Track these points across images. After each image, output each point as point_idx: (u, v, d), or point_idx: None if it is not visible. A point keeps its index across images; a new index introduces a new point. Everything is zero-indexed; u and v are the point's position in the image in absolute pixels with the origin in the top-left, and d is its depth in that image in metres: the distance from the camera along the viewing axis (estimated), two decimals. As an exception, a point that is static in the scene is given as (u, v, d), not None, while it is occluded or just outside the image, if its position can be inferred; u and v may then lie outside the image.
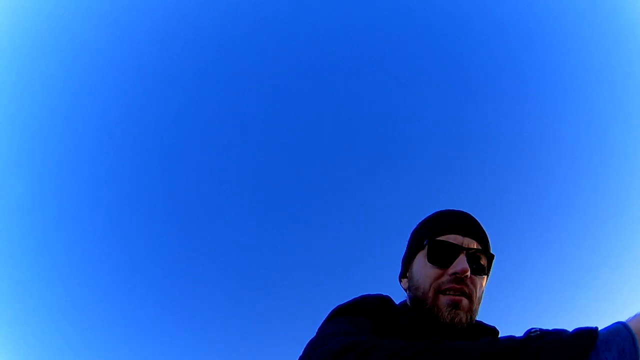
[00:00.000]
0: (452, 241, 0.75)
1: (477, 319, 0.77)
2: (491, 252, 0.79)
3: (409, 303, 0.80)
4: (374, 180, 5.67)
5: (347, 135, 5.69)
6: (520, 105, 5.45)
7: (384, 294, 0.80)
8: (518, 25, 5.42)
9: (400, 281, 0.86)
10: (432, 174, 5.64)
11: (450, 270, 0.72)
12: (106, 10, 5.20)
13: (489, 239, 0.81)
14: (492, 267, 0.80)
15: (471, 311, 0.71)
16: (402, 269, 0.86)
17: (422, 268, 0.75)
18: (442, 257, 0.74)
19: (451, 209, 0.82)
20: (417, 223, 0.86)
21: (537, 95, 5.40)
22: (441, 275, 0.73)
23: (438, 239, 0.76)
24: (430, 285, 0.73)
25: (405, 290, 0.83)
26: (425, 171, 5.64)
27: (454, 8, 5.45)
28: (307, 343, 0.68)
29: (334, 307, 0.76)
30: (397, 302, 0.83)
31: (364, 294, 0.77)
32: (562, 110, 5.36)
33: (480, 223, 0.81)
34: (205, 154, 5.62)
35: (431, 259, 0.74)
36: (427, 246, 0.76)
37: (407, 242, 0.87)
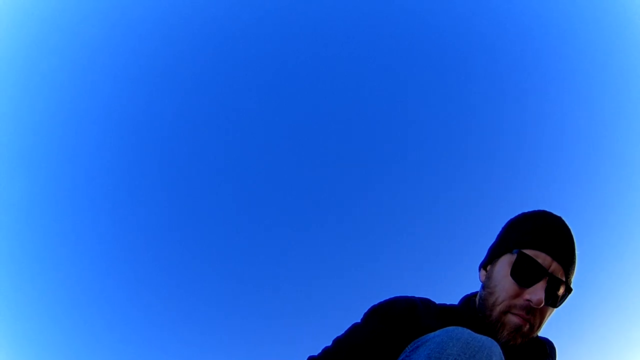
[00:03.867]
0: (540, 261, 0.69)
1: None
2: (571, 285, 0.73)
3: (478, 299, 0.77)
4: (373, 181, 5.68)
5: (349, 135, 5.70)
6: (520, 105, 5.45)
7: (418, 297, 0.77)
8: (517, 23, 5.43)
9: (480, 270, 0.81)
10: (433, 174, 5.65)
11: (526, 295, 0.68)
12: (104, 9, 5.20)
13: (575, 268, 0.75)
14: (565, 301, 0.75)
15: (529, 336, 0.69)
16: (486, 259, 0.81)
17: (503, 277, 0.71)
18: (524, 275, 0.69)
19: (555, 215, 0.75)
20: (516, 216, 0.80)
21: (537, 95, 5.40)
22: (517, 296, 0.69)
23: (527, 252, 0.70)
24: (502, 302, 0.70)
25: (481, 282, 0.79)
26: (426, 171, 5.64)
27: (454, 7, 5.45)
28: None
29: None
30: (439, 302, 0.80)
31: (397, 296, 0.76)
32: (563, 110, 5.36)
33: (575, 244, 0.74)
34: (204, 154, 5.63)
35: (513, 274, 0.70)
36: (515, 256, 0.71)
37: (499, 232, 0.81)
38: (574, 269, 0.73)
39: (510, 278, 0.70)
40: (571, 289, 0.72)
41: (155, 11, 5.41)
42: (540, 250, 0.70)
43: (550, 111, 5.41)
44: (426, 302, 0.77)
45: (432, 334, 0.61)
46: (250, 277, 5.56)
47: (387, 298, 0.76)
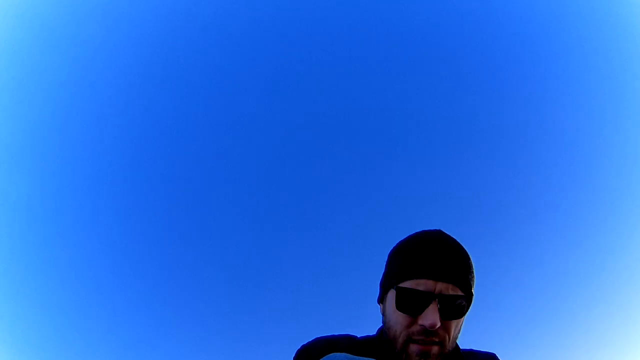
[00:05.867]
0: (422, 289, 0.68)
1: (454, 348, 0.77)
2: (472, 289, 0.72)
3: (383, 331, 0.78)
4: (372, 181, 5.68)
5: (347, 135, 5.70)
6: (519, 105, 5.45)
7: (340, 335, 0.82)
8: (517, 23, 5.42)
9: (379, 304, 0.81)
10: (432, 175, 5.65)
11: (420, 321, 0.68)
12: (103, 9, 5.20)
13: (473, 271, 0.74)
14: (472, 302, 0.74)
15: (443, 353, 0.70)
16: (379, 293, 0.81)
17: (394, 312, 0.71)
18: (411, 306, 0.69)
19: (428, 234, 0.75)
20: (396, 243, 0.79)
21: (536, 96, 5.39)
22: (411, 324, 0.69)
23: (406, 285, 0.70)
24: (401, 333, 0.70)
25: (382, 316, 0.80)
26: (425, 172, 5.64)
27: (452, 7, 5.45)
28: None
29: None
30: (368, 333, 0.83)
31: (318, 337, 0.81)
32: (563, 110, 5.36)
33: (463, 252, 0.73)
34: (202, 154, 5.63)
35: (399, 307, 0.70)
36: (394, 293, 0.71)
37: (385, 263, 0.81)
38: (467, 276, 0.72)
39: (399, 312, 0.70)
40: (471, 295, 0.71)
41: (154, 12, 5.41)
42: (420, 277, 0.69)
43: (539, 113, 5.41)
44: (348, 339, 0.81)
45: None
46: (248, 278, 5.56)
47: (310, 340, 0.80)
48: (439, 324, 0.67)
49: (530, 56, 5.43)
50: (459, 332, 0.73)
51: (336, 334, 0.82)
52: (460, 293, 0.70)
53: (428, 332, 0.68)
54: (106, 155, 5.51)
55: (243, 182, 5.71)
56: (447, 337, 0.69)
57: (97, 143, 5.48)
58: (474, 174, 5.56)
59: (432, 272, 0.69)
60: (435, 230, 0.77)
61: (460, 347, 0.81)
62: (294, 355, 0.79)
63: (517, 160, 5.50)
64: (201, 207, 5.69)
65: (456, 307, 0.69)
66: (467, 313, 0.76)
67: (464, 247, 0.76)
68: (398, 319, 0.71)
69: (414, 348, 0.69)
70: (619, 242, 5.01)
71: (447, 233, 0.77)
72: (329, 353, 0.74)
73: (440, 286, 0.69)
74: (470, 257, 0.76)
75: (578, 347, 4.72)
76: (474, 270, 0.75)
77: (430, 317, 0.67)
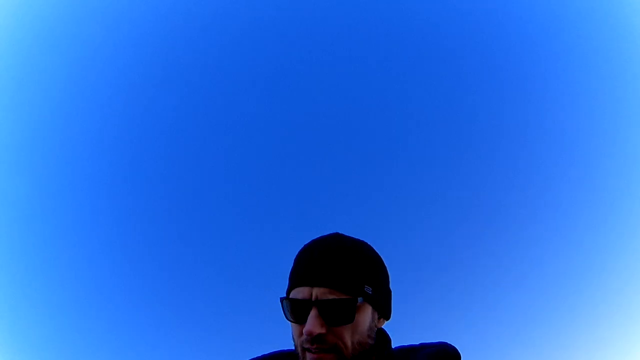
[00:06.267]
0: (299, 297, 0.68)
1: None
2: (364, 290, 0.68)
3: None
4: (372, 181, 5.68)
5: (343, 136, 5.70)
6: (518, 106, 5.45)
7: (274, 352, 0.82)
8: (517, 23, 5.42)
9: None
10: (431, 176, 5.65)
11: (304, 329, 0.66)
12: (102, 9, 5.21)
13: (367, 271, 0.70)
14: (377, 301, 0.71)
15: (347, 358, 0.67)
16: None
17: (290, 323, 0.72)
18: (295, 315, 0.68)
19: (315, 242, 0.73)
20: None
21: (535, 96, 5.39)
22: (302, 333, 0.67)
23: (290, 297, 0.70)
24: (296, 343, 0.70)
25: None
26: (425, 172, 5.64)
27: (452, 6, 5.45)
28: None
29: None
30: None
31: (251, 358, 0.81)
32: (562, 110, 5.36)
33: (347, 254, 0.69)
34: (202, 153, 5.63)
35: (288, 318, 0.70)
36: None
37: None
38: (351, 277, 0.68)
39: (291, 322, 0.71)
40: (353, 299, 0.67)
41: (154, 11, 5.42)
42: (299, 285, 0.69)
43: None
44: (280, 355, 0.81)
45: None
46: (247, 278, 5.56)
47: None
48: (317, 331, 0.65)
49: (530, 56, 5.44)
50: (365, 336, 0.70)
51: (274, 351, 0.82)
52: (342, 296, 0.66)
53: (313, 340, 0.66)
54: (105, 155, 5.52)
55: (242, 181, 5.71)
56: (341, 343, 0.67)
57: (97, 143, 5.48)
58: (474, 174, 5.56)
59: (308, 279, 0.68)
60: (328, 234, 0.75)
61: (415, 343, 0.79)
62: None
63: (516, 160, 5.50)
64: (200, 207, 5.69)
65: (339, 311, 0.66)
66: (386, 313, 0.74)
67: (364, 247, 0.73)
68: (292, 330, 0.71)
69: (309, 357, 0.67)
70: (619, 242, 5.01)
71: (344, 235, 0.74)
72: None
73: (316, 291, 0.67)
74: (370, 256, 0.73)
75: (578, 347, 4.72)
76: (371, 270, 0.72)
77: (308, 324, 0.66)
